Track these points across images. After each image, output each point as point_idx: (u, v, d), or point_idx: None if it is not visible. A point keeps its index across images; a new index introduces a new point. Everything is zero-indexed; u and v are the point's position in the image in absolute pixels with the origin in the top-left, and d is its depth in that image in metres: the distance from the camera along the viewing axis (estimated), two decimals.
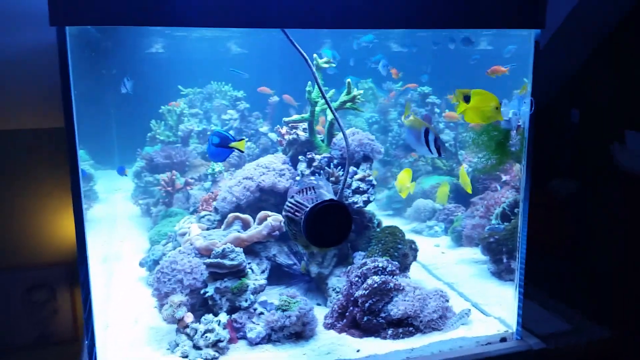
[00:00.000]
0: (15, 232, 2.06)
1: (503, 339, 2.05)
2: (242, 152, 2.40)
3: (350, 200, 2.46)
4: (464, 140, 4.03)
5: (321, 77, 2.52)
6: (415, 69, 4.65)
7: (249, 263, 2.23)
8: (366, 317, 2.07)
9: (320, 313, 2.18)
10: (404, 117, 2.08)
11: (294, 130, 2.75)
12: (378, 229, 2.56)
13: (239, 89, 4.56)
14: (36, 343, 2.15)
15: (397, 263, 2.22)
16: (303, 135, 2.72)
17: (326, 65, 2.55)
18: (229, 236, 2.32)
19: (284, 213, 1.71)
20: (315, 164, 2.52)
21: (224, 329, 1.97)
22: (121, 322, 2.19)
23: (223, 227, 2.52)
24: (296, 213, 1.64)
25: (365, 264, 2.18)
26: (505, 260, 2.67)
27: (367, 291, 2.07)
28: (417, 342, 2.01)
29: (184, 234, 2.53)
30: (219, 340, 1.92)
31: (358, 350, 1.96)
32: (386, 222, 2.69)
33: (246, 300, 2.08)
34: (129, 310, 2.30)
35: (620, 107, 2.45)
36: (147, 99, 4.24)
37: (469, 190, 2.88)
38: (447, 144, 4.08)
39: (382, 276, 2.11)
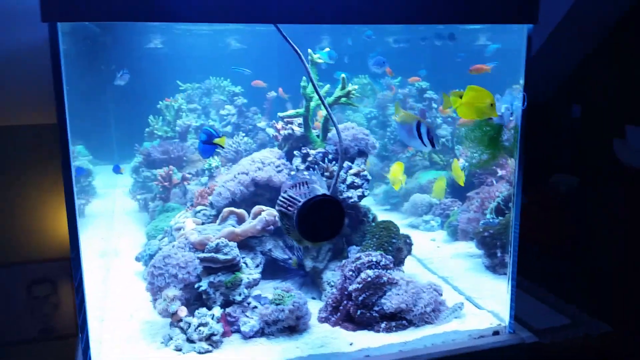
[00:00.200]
0: (16, 228, 2.07)
1: (496, 332, 2.06)
2: (223, 147, 2.49)
3: (344, 195, 2.46)
4: (461, 135, 4.03)
5: (315, 73, 2.53)
6: (412, 64, 4.63)
7: (243, 257, 2.24)
8: (360, 310, 2.09)
9: (315, 307, 2.19)
10: (394, 117, 2.08)
11: (289, 126, 2.75)
12: (373, 224, 2.57)
13: (237, 84, 4.56)
14: (38, 338, 2.17)
15: (391, 257, 2.24)
16: (298, 131, 2.73)
17: (320, 61, 2.56)
18: (223, 231, 2.33)
19: (277, 208, 1.72)
20: (310, 159, 2.53)
21: (218, 322, 1.99)
22: (117, 316, 2.21)
23: (218, 221, 2.53)
24: (289, 208, 1.65)
25: (359, 258, 2.19)
26: (499, 254, 2.68)
27: (361, 285, 2.08)
28: (410, 335, 2.02)
29: (179, 229, 2.54)
30: (213, 334, 1.94)
31: (351, 344, 1.97)
32: (383, 216, 2.70)
33: (240, 294, 2.09)
34: (124, 304, 2.32)
35: (620, 104, 2.45)
36: (145, 94, 4.25)
37: (462, 183, 2.90)
38: (444, 139, 4.08)
39: (375, 270, 2.12)
